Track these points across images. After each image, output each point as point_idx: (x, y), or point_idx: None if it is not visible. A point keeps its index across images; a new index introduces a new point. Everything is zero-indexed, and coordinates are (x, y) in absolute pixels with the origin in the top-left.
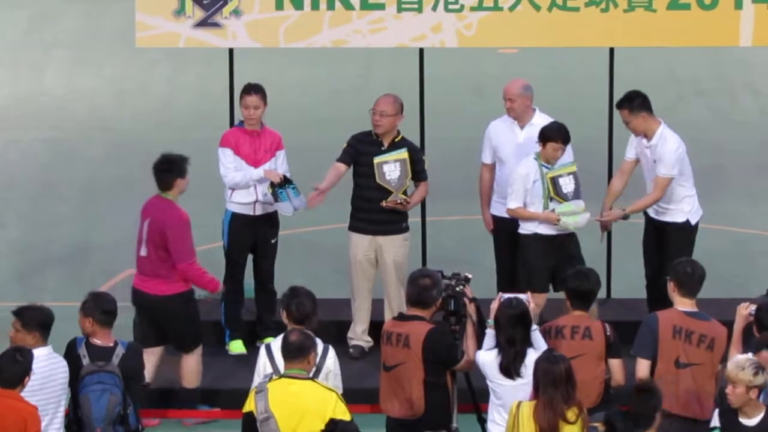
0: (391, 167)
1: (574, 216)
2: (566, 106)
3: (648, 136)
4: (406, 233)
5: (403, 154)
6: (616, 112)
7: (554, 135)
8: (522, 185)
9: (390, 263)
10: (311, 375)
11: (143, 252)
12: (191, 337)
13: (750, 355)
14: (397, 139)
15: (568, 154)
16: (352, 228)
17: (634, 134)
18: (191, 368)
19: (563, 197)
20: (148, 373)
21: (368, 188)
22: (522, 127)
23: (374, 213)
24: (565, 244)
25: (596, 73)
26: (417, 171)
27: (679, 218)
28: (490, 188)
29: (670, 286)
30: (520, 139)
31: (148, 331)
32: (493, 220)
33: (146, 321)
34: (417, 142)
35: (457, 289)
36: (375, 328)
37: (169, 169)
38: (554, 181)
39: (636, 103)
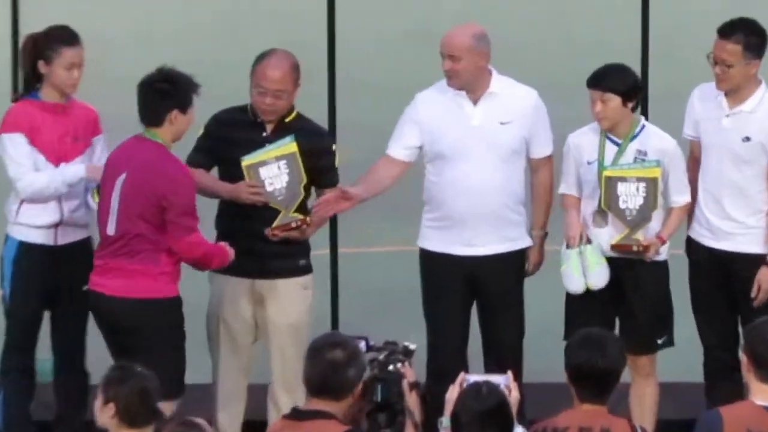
0: (272, 170)
1: (592, 264)
2: (564, 66)
3: (737, 97)
4: (306, 276)
5: (288, 146)
6: (653, 76)
7: (589, 79)
8: (572, 161)
9: (282, 327)
10: None
11: (111, 229)
12: (169, 376)
13: None
14: (288, 119)
15: (657, 143)
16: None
17: (718, 85)
18: None
19: (619, 215)
20: None
21: (242, 202)
22: (476, 102)
23: (253, 241)
24: (632, 282)
25: (617, 13)
26: (321, 170)
27: (757, 246)
28: None
29: (744, 364)
30: (475, 121)
31: (117, 354)
32: (423, 256)
33: (110, 339)
34: (323, 124)
35: (391, 367)
36: (255, 430)
37: (165, 93)
38: (611, 183)
39: (756, 40)
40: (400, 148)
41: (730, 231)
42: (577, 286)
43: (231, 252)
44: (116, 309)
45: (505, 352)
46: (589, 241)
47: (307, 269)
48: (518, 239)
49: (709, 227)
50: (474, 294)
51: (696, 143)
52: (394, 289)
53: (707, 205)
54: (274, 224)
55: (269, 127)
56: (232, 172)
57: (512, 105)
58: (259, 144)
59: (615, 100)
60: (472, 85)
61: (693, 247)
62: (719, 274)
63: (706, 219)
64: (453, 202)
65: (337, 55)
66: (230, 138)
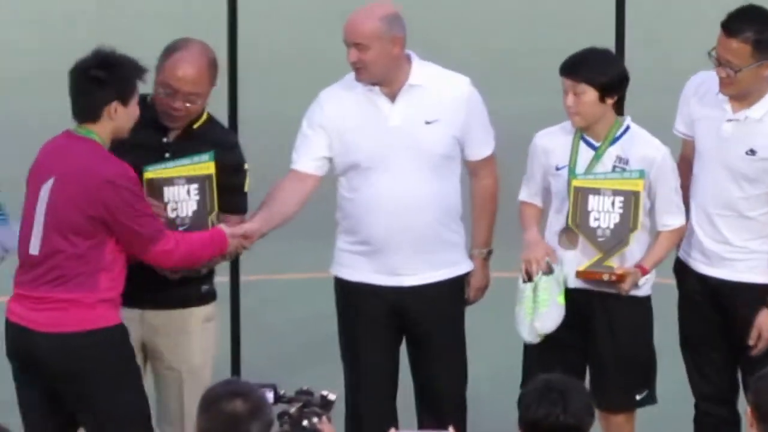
0: (179, 193)
1: (543, 298)
2: (529, 47)
3: (744, 100)
4: (209, 305)
5: (204, 166)
6: (632, 63)
7: (562, 65)
8: (538, 164)
9: (180, 370)
10: None
11: (34, 248)
12: (123, 415)
13: None
14: (196, 124)
15: (641, 150)
16: None
17: (721, 89)
18: None
19: (589, 236)
20: None
21: None
22: (393, 98)
23: (143, 264)
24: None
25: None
26: (228, 189)
27: (761, 275)
28: None
29: (747, 418)
30: (393, 121)
31: (41, 407)
32: (339, 287)
33: (35, 385)
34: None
35: (305, 423)
36: None
37: (102, 82)
38: (581, 196)
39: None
40: (307, 159)
41: (728, 256)
42: (530, 335)
43: (232, 233)
44: (45, 347)
45: (444, 403)
46: (550, 270)
47: (210, 296)
48: (456, 263)
49: (701, 250)
50: (403, 331)
51: (689, 143)
52: (309, 326)
53: (700, 224)
54: None
55: (172, 133)
56: None
57: (439, 98)
58: (157, 150)
59: (590, 94)
60: (387, 78)
61: (683, 272)
62: (714, 307)
63: (699, 240)
64: (373, 223)
65: (240, 38)
66: (126, 138)
